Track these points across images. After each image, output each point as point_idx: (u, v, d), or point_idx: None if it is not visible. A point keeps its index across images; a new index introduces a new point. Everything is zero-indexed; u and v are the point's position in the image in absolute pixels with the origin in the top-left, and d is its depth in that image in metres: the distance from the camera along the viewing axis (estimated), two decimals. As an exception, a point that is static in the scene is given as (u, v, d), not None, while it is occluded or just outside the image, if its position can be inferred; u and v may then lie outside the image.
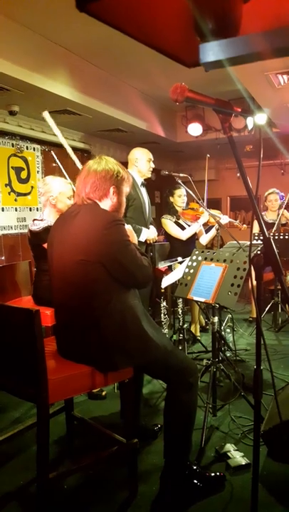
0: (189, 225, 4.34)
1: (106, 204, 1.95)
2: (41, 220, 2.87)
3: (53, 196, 2.90)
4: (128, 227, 2.03)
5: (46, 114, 3.09)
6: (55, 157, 3.75)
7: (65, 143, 3.11)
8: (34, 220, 2.92)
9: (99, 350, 1.84)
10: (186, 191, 4.14)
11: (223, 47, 0.95)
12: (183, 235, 4.25)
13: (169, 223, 4.32)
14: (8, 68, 3.47)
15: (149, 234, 3.20)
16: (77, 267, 1.81)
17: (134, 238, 2.08)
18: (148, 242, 3.25)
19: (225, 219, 4.12)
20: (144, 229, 3.15)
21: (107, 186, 1.93)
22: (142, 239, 3.14)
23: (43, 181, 3.00)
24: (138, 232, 3.08)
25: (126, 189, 2.03)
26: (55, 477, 1.81)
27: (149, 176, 3.27)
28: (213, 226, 4.39)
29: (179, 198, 4.34)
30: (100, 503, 2.03)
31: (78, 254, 1.80)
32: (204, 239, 4.52)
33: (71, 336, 1.91)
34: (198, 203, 3.97)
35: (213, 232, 4.44)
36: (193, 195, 3.89)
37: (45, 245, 2.78)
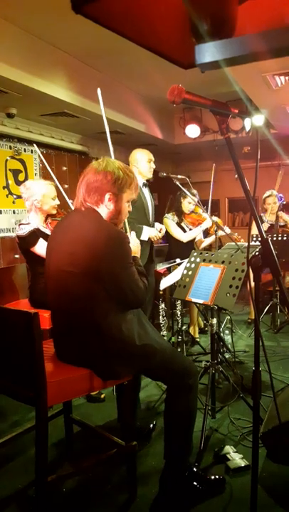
0: (190, 229, 4.36)
1: (102, 211, 1.85)
2: (27, 223, 2.86)
3: (37, 200, 2.89)
4: (134, 244, 1.98)
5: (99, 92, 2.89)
6: (39, 153, 3.72)
7: (107, 128, 2.92)
8: (20, 224, 2.90)
9: (99, 359, 1.83)
10: (186, 194, 4.14)
11: (219, 48, 0.95)
12: (184, 238, 4.26)
13: (171, 223, 4.33)
14: (6, 71, 3.46)
15: (151, 232, 3.14)
16: (70, 279, 1.77)
17: (138, 252, 2.04)
18: (152, 240, 3.19)
19: (227, 230, 4.13)
20: (145, 227, 3.09)
21: (102, 191, 1.82)
22: (145, 237, 3.08)
23: (24, 186, 2.97)
24: (139, 231, 3.04)
25: (129, 195, 1.90)
26: (53, 480, 1.80)
27: (150, 176, 3.25)
28: (210, 234, 4.43)
29: (189, 204, 4.36)
30: (99, 505, 2.02)
31: (71, 266, 1.76)
32: (203, 245, 4.57)
33: (70, 341, 1.89)
34: (203, 211, 4.01)
35: (211, 239, 4.48)
36: (191, 197, 3.89)
37: (33, 249, 2.79)
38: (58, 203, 3.03)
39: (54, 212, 3.00)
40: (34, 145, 3.74)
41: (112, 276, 1.76)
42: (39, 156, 3.67)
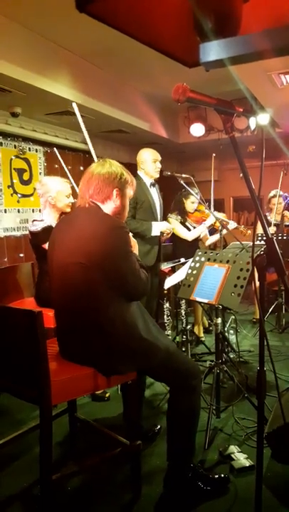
0: (195, 227, 4.35)
1: (109, 207, 1.95)
2: (40, 220, 2.87)
3: (52, 196, 2.90)
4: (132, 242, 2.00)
5: (75, 106, 2.96)
6: (58, 155, 3.73)
7: (89, 140, 2.99)
8: (33, 220, 2.91)
9: (102, 356, 1.83)
10: (189, 192, 4.13)
11: (223, 46, 0.95)
12: (189, 236, 4.25)
13: (175, 223, 4.32)
14: (10, 70, 3.47)
15: (162, 226, 3.13)
16: (77, 270, 1.80)
17: (136, 249, 2.07)
18: (163, 234, 3.18)
19: (232, 224, 4.12)
20: (153, 223, 3.09)
21: (110, 189, 1.93)
22: (156, 233, 3.08)
23: (40, 182, 2.98)
24: (149, 228, 3.03)
25: (130, 192, 2.03)
26: (58, 479, 1.81)
27: (156, 176, 3.24)
28: (217, 230, 4.41)
29: (192, 203, 4.34)
30: (103, 504, 2.02)
31: (79, 257, 1.79)
32: (208, 242, 4.56)
33: (73, 339, 1.90)
34: (206, 208, 4.00)
35: (217, 236, 4.47)
36: (196, 197, 3.89)
37: (45, 246, 2.79)
38: (73, 201, 3.01)
39: (68, 210, 2.99)
40: (54, 148, 3.75)
41: (113, 262, 1.79)
42: (58, 156, 3.66)
